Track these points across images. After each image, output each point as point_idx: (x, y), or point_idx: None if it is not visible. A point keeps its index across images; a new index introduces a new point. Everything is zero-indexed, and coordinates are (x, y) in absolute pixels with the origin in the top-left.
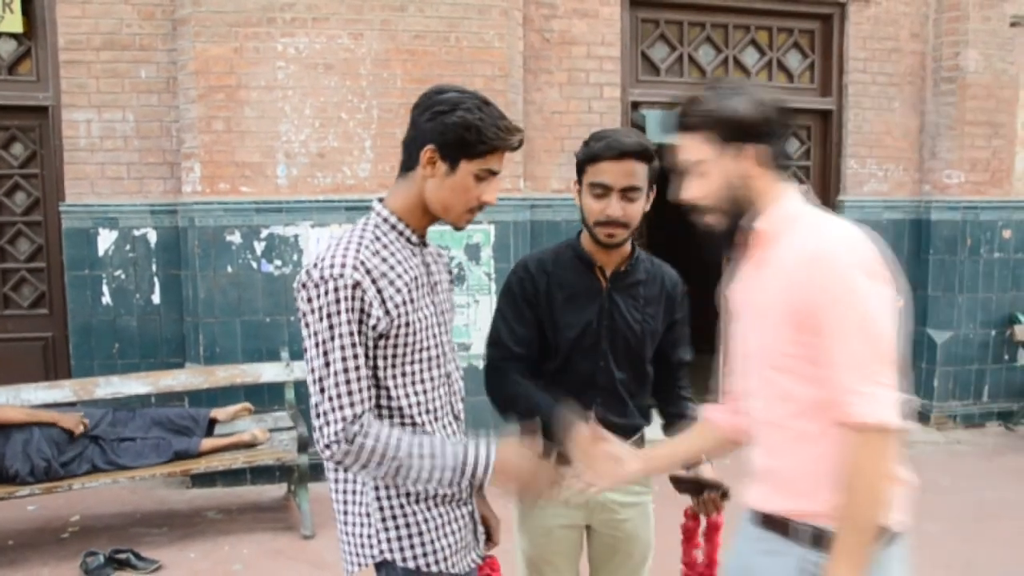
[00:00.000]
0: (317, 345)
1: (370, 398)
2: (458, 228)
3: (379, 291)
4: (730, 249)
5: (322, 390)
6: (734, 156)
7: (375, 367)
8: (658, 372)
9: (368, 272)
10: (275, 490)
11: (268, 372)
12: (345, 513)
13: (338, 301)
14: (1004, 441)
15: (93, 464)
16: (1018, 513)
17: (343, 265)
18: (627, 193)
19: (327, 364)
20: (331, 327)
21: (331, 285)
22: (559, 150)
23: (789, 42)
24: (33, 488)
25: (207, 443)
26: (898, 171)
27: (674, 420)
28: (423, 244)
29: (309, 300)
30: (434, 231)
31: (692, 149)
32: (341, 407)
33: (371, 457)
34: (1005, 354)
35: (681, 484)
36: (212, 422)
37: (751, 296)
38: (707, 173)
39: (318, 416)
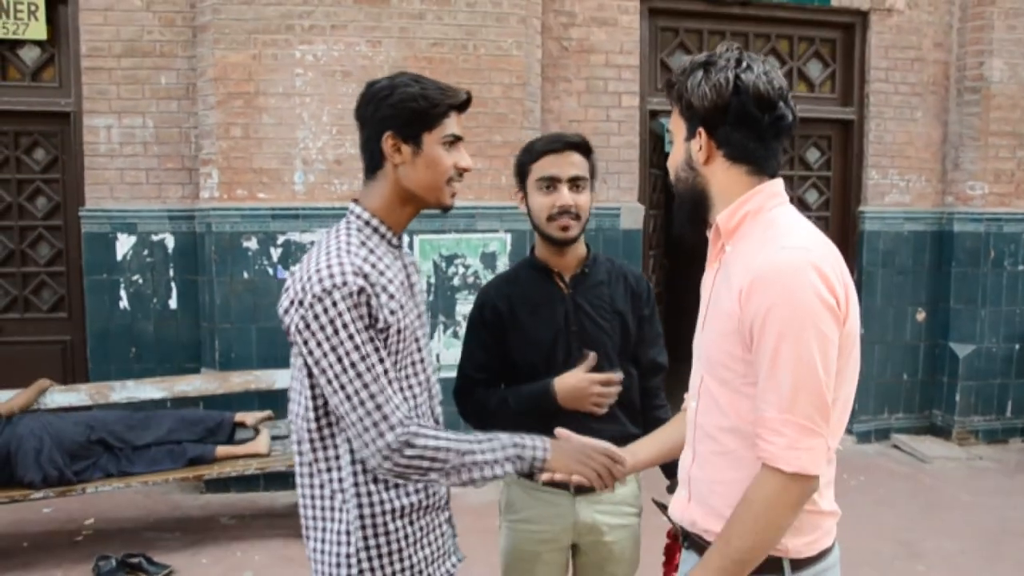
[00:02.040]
0: (340, 360)
1: (404, 401)
2: (446, 208)
3: (377, 295)
4: (694, 232)
5: (362, 403)
6: (690, 138)
7: None
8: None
9: (366, 277)
10: (288, 496)
11: (282, 379)
12: (323, 531)
13: (349, 310)
14: None
15: (107, 472)
16: None
17: (343, 273)
18: (574, 183)
19: (359, 375)
20: (350, 337)
21: (336, 295)
22: None
23: (810, 51)
24: (47, 492)
25: (222, 451)
26: (920, 182)
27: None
28: (400, 245)
29: (316, 317)
30: (451, 239)
31: (672, 119)
32: (390, 415)
33: (435, 457)
34: None
35: (662, 509)
36: (234, 426)
37: (711, 294)
38: (675, 148)
39: (367, 430)
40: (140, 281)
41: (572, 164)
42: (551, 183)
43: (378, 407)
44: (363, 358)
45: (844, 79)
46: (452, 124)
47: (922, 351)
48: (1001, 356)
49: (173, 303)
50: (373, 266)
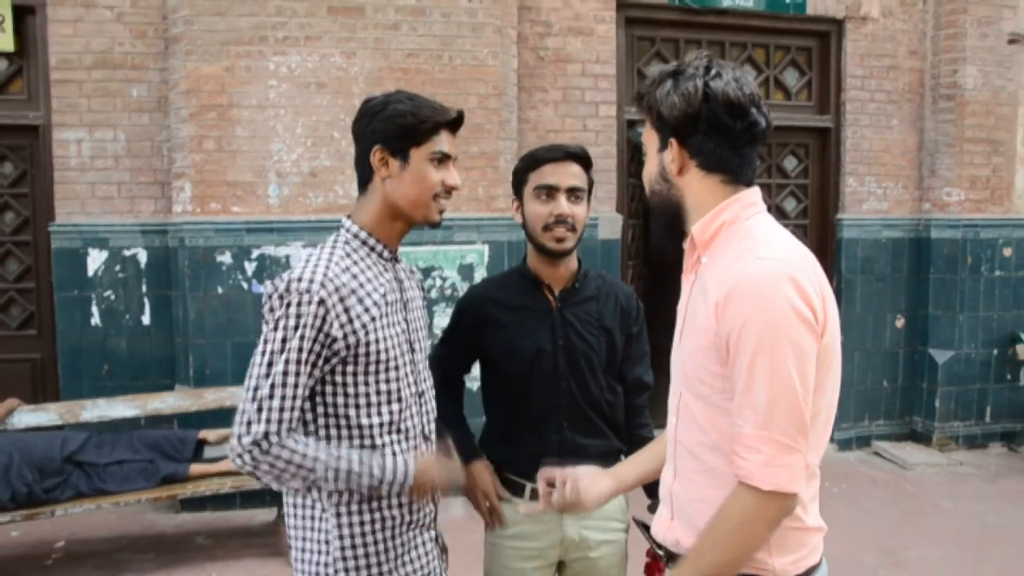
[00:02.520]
0: (263, 353)
1: (298, 419)
2: (433, 224)
3: (346, 309)
4: (673, 245)
5: (254, 399)
6: (663, 150)
7: (342, 385)
8: None
9: (337, 290)
10: (265, 514)
11: None
12: (303, 540)
13: (299, 316)
14: (1008, 462)
15: (78, 490)
16: (1023, 537)
17: (311, 281)
18: (573, 193)
19: (267, 375)
20: (284, 340)
21: (295, 299)
22: None
23: (786, 60)
24: (14, 514)
25: (196, 468)
26: (897, 189)
27: None
28: (395, 259)
29: (272, 310)
30: (427, 251)
31: (645, 131)
32: (267, 420)
33: (285, 469)
34: (1007, 374)
35: (644, 529)
36: (201, 443)
37: (687, 307)
38: (648, 160)
39: (241, 423)
40: (112, 297)
41: (571, 174)
42: (549, 192)
43: (267, 408)
44: (282, 362)
45: (820, 87)
46: (441, 142)
47: (902, 357)
48: (980, 361)
49: (146, 319)
50: (354, 277)
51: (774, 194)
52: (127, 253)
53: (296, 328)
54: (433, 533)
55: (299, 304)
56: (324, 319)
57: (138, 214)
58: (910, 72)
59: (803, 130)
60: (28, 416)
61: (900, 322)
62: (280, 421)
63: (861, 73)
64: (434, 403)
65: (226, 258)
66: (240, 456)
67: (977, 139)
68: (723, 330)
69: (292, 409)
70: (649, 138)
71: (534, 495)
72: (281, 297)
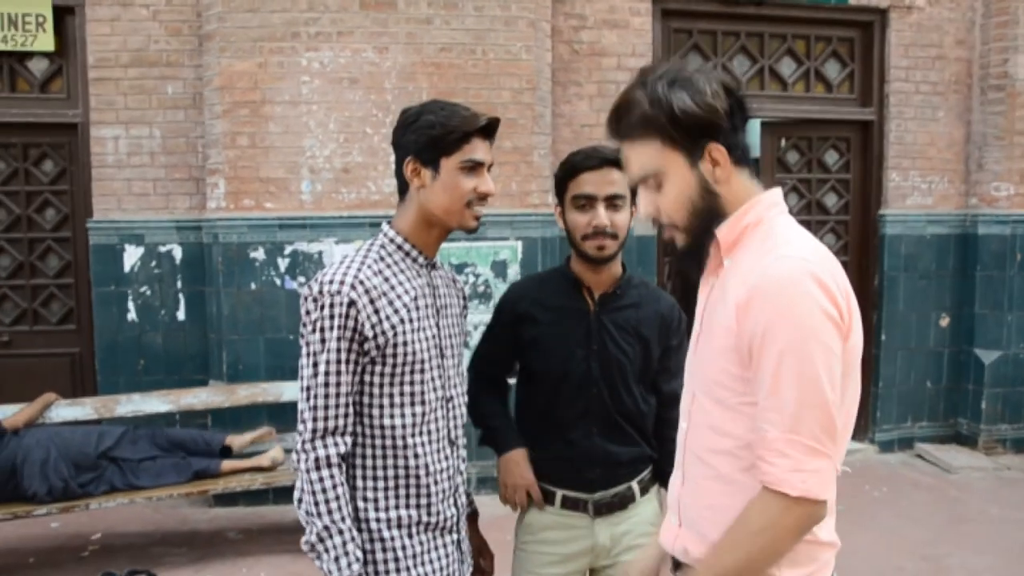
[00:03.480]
0: (309, 355)
1: (347, 415)
2: (469, 230)
3: (376, 311)
4: (702, 262)
5: (308, 398)
6: (690, 160)
7: (369, 385)
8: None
9: (367, 291)
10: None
11: (289, 391)
12: None
13: (332, 317)
14: None
15: (112, 485)
16: None
17: (342, 283)
18: (612, 201)
19: (315, 375)
20: (323, 340)
21: (327, 301)
22: None
23: (827, 51)
24: (51, 507)
25: (227, 464)
26: (943, 184)
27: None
28: (431, 265)
29: (307, 312)
30: (460, 248)
31: (639, 159)
32: (316, 418)
33: (313, 492)
34: None
35: None
36: (226, 449)
37: (706, 309)
38: (662, 185)
39: (303, 422)
40: (148, 292)
41: (609, 182)
42: (587, 201)
43: (318, 407)
44: (323, 362)
45: (863, 79)
46: (473, 150)
47: (946, 357)
48: None
49: (181, 314)
50: (386, 280)
51: (815, 189)
52: (162, 249)
53: (332, 329)
54: (455, 537)
55: (331, 305)
56: (356, 319)
57: (173, 210)
58: (957, 62)
59: (845, 123)
60: (65, 410)
61: (945, 321)
62: (327, 419)
63: (906, 64)
64: (464, 408)
65: (259, 254)
66: (297, 453)
67: None
68: (745, 331)
69: (339, 406)
70: (667, 161)
71: (564, 502)
72: (315, 300)
